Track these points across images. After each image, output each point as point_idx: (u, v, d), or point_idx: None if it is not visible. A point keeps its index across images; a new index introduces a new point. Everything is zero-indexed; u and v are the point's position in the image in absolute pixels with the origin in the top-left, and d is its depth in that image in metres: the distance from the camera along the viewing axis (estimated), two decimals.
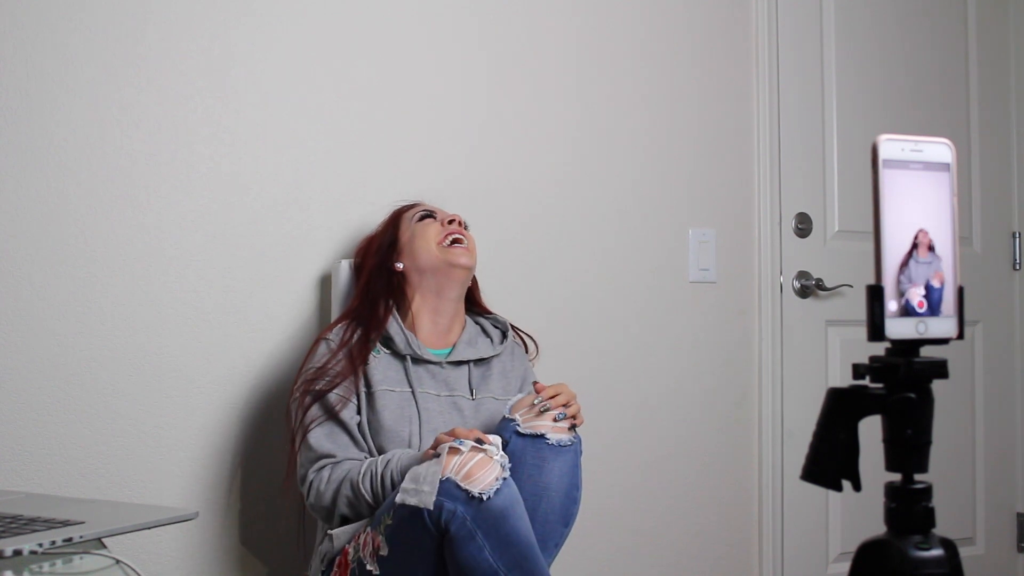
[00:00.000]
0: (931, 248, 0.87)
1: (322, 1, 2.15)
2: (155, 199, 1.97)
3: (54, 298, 1.87)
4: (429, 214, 1.98)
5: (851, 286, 2.74)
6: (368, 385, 1.82)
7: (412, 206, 2.02)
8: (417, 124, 2.26)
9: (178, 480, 1.97)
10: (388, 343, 1.87)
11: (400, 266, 1.93)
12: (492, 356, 1.94)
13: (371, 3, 2.21)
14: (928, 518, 0.90)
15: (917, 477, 0.90)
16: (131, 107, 1.95)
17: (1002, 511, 3.06)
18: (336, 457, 1.77)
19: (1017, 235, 3.13)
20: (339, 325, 1.88)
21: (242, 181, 2.05)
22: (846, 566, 0.93)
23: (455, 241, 1.92)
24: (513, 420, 1.75)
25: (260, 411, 2.06)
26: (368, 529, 1.67)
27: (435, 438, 1.69)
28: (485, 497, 1.55)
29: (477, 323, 2.00)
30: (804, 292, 2.73)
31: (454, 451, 1.60)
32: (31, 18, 1.86)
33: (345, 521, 1.76)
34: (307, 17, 2.13)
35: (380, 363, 1.84)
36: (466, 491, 1.55)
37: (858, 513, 2.61)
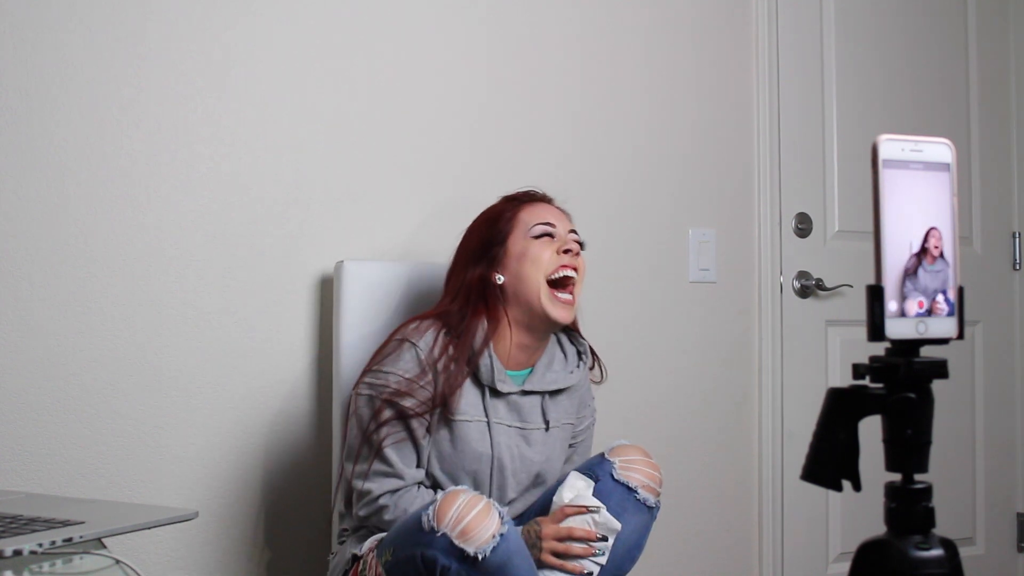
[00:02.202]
0: (941, 254, 0.87)
1: (322, 1, 2.15)
2: (155, 199, 1.97)
3: (54, 298, 1.87)
4: (548, 232, 1.79)
5: (851, 286, 2.74)
6: (448, 410, 1.72)
7: (531, 202, 1.84)
8: (416, 124, 2.26)
9: (178, 480, 1.97)
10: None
11: (501, 279, 1.77)
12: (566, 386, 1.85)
13: (371, 3, 2.21)
14: (928, 518, 0.90)
15: (917, 477, 0.90)
16: (131, 107, 1.95)
17: (1002, 511, 3.06)
18: (404, 480, 1.70)
19: (1017, 235, 3.13)
20: (429, 332, 1.74)
21: (242, 181, 2.05)
22: (846, 566, 0.93)
23: (565, 281, 1.78)
24: (612, 463, 1.77)
25: (260, 411, 2.05)
26: (375, 551, 1.65)
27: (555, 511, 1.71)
28: (481, 556, 1.49)
29: (556, 337, 1.89)
30: (804, 292, 2.73)
31: (453, 496, 1.53)
32: (31, 18, 1.86)
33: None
34: (307, 17, 2.13)
35: (463, 389, 1.75)
36: (461, 550, 1.49)
37: (858, 513, 2.61)
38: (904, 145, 0.86)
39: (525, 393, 1.80)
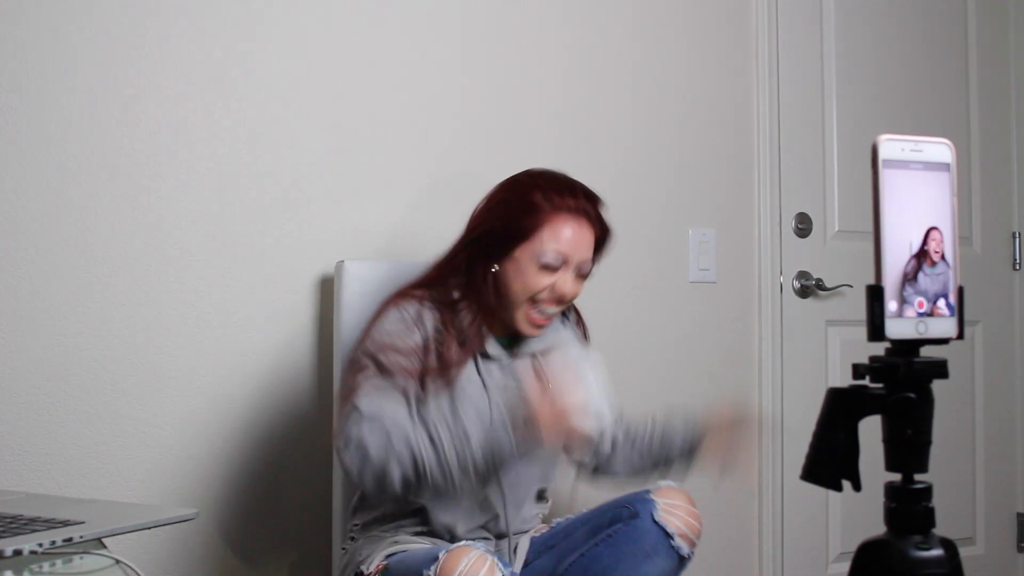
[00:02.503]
0: (942, 256, 0.87)
1: (322, 1, 2.15)
2: (155, 199, 1.97)
3: (54, 298, 1.87)
4: (555, 266, 1.72)
5: (851, 286, 2.74)
6: (446, 378, 1.70)
7: (566, 213, 1.74)
8: (416, 124, 2.26)
9: (178, 480, 1.97)
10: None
11: (496, 269, 1.75)
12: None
13: (371, 3, 2.21)
14: (928, 518, 0.90)
15: (917, 477, 0.90)
16: (131, 107, 1.95)
17: (1002, 511, 3.06)
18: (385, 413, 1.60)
19: (1017, 235, 3.13)
20: (415, 305, 1.72)
21: (242, 181, 2.05)
22: (846, 566, 0.94)
23: (545, 306, 1.75)
24: (655, 503, 1.71)
25: (260, 411, 2.06)
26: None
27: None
28: None
29: None
30: (804, 292, 2.73)
31: (457, 556, 1.48)
32: (31, 18, 1.86)
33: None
34: (307, 17, 2.13)
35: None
36: None
37: (858, 513, 2.61)
38: (904, 145, 0.87)
39: (515, 354, 1.80)
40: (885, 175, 0.85)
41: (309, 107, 2.13)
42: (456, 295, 1.75)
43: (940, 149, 0.88)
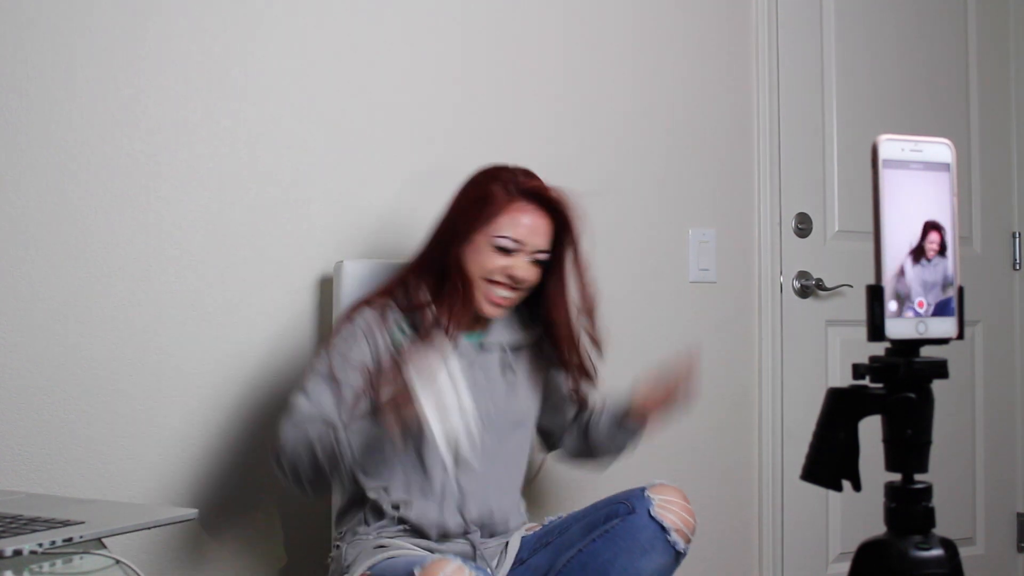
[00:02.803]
0: (942, 250, 0.87)
1: (323, 1, 2.15)
2: (155, 199, 1.97)
3: (54, 298, 1.87)
4: (509, 249, 1.78)
5: (851, 286, 2.74)
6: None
7: (523, 199, 1.79)
8: (416, 123, 2.26)
9: (178, 480, 1.97)
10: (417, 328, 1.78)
11: (456, 252, 1.79)
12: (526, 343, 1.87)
13: (371, 3, 2.21)
14: (928, 518, 0.90)
15: (917, 477, 0.90)
16: (131, 107, 1.95)
17: (1002, 511, 3.06)
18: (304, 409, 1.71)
19: (1017, 235, 3.13)
20: (373, 313, 1.78)
21: (242, 181, 2.05)
22: (846, 566, 0.94)
23: (500, 288, 1.80)
24: (651, 499, 1.74)
25: (259, 411, 2.05)
26: None
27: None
28: None
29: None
30: (804, 292, 2.73)
31: (436, 567, 1.48)
32: (31, 18, 1.86)
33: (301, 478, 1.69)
34: (307, 16, 2.13)
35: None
36: None
37: (858, 513, 2.61)
38: (904, 145, 0.87)
39: (484, 348, 1.83)
40: (885, 175, 0.85)
41: (309, 107, 2.13)
42: (427, 297, 1.79)
43: (940, 149, 0.88)
